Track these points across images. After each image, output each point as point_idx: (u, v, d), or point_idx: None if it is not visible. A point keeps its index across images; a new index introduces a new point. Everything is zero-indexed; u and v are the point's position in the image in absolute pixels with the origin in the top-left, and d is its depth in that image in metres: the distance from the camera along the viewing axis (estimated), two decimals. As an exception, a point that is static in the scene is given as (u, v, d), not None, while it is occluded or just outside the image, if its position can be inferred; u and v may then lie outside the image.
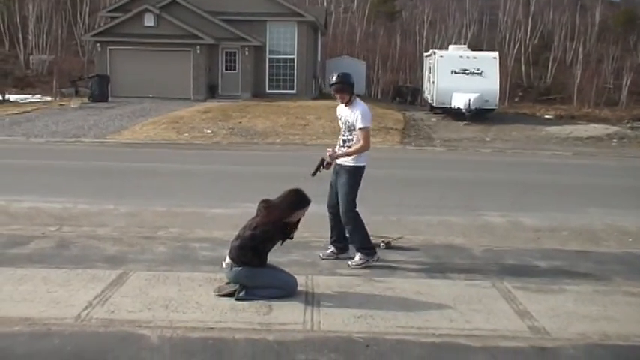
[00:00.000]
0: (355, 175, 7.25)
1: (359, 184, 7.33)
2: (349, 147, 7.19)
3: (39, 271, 6.59)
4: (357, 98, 7.23)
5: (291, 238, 6.30)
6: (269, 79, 35.13)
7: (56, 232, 8.41)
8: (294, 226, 6.22)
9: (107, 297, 5.81)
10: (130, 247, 7.69)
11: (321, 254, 7.37)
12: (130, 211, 9.96)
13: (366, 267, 7.00)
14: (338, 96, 7.17)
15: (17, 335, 4.90)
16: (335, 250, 7.41)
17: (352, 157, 7.16)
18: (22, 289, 5.96)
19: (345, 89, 7.09)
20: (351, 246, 7.33)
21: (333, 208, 7.37)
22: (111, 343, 4.77)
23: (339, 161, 7.25)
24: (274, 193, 6.24)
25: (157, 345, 4.75)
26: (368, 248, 7.21)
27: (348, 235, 7.30)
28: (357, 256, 7.17)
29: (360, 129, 7.01)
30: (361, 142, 7.02)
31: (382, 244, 7.85)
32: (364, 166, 7.32)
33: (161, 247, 7.78)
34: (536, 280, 6.74)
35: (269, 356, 4.60)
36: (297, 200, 6.10)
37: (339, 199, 7.26)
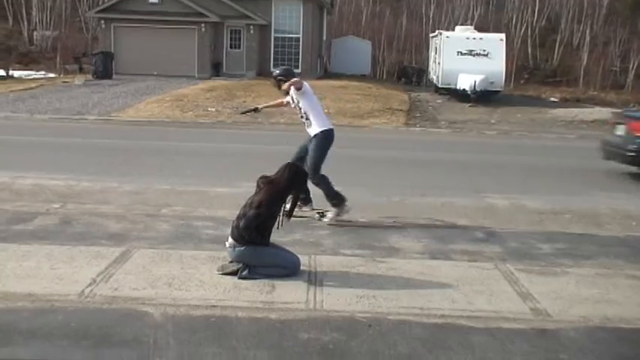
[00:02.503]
0: (323, 138, 8.13)
1: (327, 149, 8.21)
2: (307, 118, 8.23)
3: (42, 247, 6.61)
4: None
5: (289, 218, 6.33)
6: (274, 57, 34.98)
7: (60, 209, 8.43)
8: (294, 202, 6.27)
9: (110, 274, 5.83)
10: (133, 225, 7.71)
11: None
12: (133, 189, 9.97)
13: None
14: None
15: (21, 311, 4.92)
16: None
17: (318, 123, 8.16)
18: (26, 266, 5.98)
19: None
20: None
21: None
22: (114, 320, 4.79)
23: (311, 131, 8.23)
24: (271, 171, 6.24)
25: (160, 322, 4.77)
26: (338, 198, 8.10)
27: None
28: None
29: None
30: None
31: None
32: (332, 129, 8.26)
33: (165, 225, 7.79)
34: (538, 262, 6.75)
35: (271, 335, 4.61)
36: (294, 172, 6.16)
37: (308, 162, 8.02)
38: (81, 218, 7.95)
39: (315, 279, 5.89)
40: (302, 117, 8.31)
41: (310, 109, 8.20)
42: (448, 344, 4.62)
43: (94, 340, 4.43)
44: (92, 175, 10.92)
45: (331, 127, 8.29)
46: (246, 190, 5.94)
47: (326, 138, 8.16)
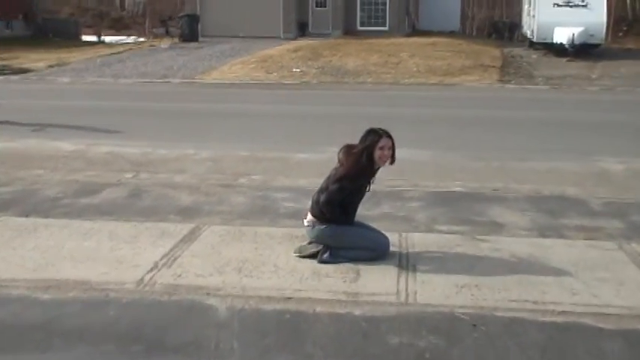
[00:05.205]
0: None
1: None
2: None
3: (106, 224, 6.05)
4: None
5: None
6: (360, 15, 33.78)
7: (131, 180, 7.88)
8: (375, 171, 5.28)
9: (175, 257, 5.18)
10: (206, 197, 7.07)
11: None
12: (210, 155, 9.36)
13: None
14: None
15: (71, 303, 4.33)
16: None
17: None
18: (86, 246, 5.41)
19: None
20: None
21: None
22: (172, 317, 4.13)
23: None
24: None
25: (224, 320, 4.07)
26: None
27: None
28: None
29: None
30: None
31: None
32: None
33: (240, 197, 7.12)
34: (671, 241, 5.71)
35: (355, 338, 3.85)
36: (372, 135, 5.05)
37: None
38: (152, 190, 7.38)
39: (406, 263, 5.07)
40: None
41: None
42: (574, 353, 3.73)
43: (146, 344, 3.77)
44: (170, 141, 10.38)
45: None
46: (330, 156, 5.16)
47: None
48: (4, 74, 21.69)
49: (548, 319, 4.13)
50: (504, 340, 3.82)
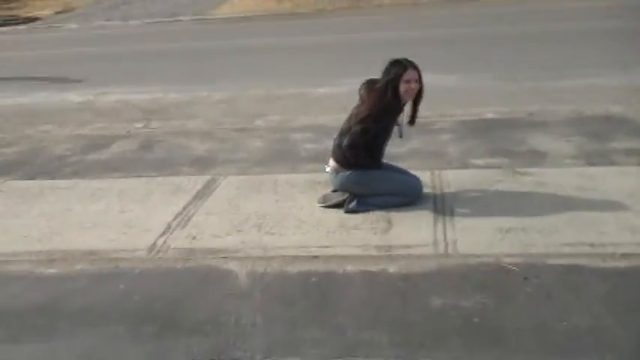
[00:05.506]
0: None
1: None
2: None
3: (115, 182, 5.62)
4: None
5: (412, 123, 4.82)
6: None
7: (142, 129, 7.43)
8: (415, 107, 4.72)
9: (190, 215, 4.74)
10: (221, 144, 6.60)
11: None
12: (224, 97, 8.86)
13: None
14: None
15: (77, 278, 3.93)
16: None
17: None
18: (93, 210, 4.99)
19: None
20: None
21: None
22: (188, 288, 3.71)
23: None
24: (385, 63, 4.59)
25: (245, 288, 3.64)
26: None
27: None
28: None
29: None
30: None
31: None
32: None
33: (257, 141, 6.64)
34: None
35: (393, 302, 3.40)
36: (397, 67, 4.43)
37: None
38: (163, 140, 6.93)
39: (442, 206, 4.58)
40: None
41: None
42: (644, 305, 3.25)
43: (159, 324, 3.35)
44: (181, 84, 9.88)
45: None
46: (350, 88, 4.62)
47: None
48: (12, 24, 21.16)
49: (609, 264, 3.64)
50: (562, 294, 3.35)
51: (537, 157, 5.57)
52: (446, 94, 7.75)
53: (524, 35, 12.05)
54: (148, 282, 3.81)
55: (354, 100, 4.69)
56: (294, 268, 3.84)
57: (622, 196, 4.54)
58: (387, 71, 4.48)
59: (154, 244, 4.32)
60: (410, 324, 3.19)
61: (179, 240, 4.35)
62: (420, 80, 4.49)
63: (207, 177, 5.56)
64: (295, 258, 3.97)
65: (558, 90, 7.89)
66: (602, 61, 9.33)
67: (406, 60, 4.49)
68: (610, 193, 4.61)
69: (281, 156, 6.13)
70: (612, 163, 5.31)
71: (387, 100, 4.44)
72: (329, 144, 4.99)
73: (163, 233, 4.47)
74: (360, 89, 4.64)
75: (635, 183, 4.77)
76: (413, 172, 4.89)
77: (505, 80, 8.54)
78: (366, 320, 3.25)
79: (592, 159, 5.45)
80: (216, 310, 3.44)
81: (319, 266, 3.85)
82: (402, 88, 4.43)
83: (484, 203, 4.59)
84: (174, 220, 4.69)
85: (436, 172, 5.26)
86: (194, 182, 5.44)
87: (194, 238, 4.38)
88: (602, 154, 5.53)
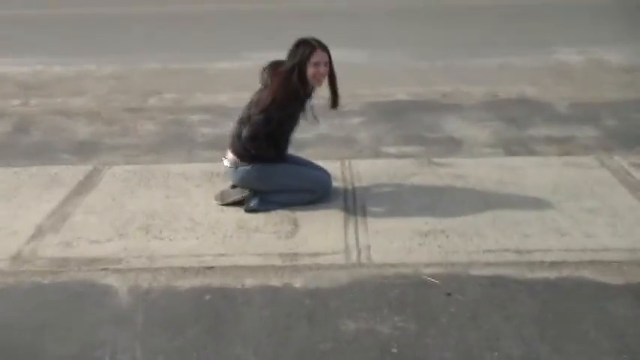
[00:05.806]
0: None
1: None
2: None
3: (-20, 174, 4.88)
4: None
5: (335, 107, 4.26)
6: None
7: (18, 108, 6.64)
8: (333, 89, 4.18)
9: (66, 215, 4.10)
10: (108, 127, 5.93)
11: None
12: (115, 71, 8.11)
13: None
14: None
15: None
16: None
17: None
18: (-50, 208, 4.27)
19: None
20: None
21: None
22: (56, 309, 3.09)
23: None
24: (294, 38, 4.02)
25: (126, 310, 3.07)
26: None
27: None
28: None
29: None
30: None
31: None
32: None
33: (149, 124, 6.01)
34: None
35: (299, 325, 2.90)
36: (303, 47, 3.92)
37: None
38: (43, 120, 6.18)
39: (353, 204, 4.12)
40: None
41: None
42: (579, 328, 2.86)
43: (13, 364, 2.75)
44: (67, 56, 9.03)
45: None
46: (255, 63, 4.07)
47: None
48: None
49: (537, 274, 3.26)
50: (489, 314, 2.94)
51: (454, 145, 5.20)
52: (356, 71, 7.29)
53: (436, 10, 11.72)
54: (6, 303, 3.17)
55: (257, 77, 4.11)
56: (184, 283, 3.29)
57: (546, 192, 4.19)
58: (292, 53, 3.95)
59: (19, 253, 3.65)
60: (319, 356, 2.71)
61: (50, 247, 3.71)
62: (330, 63, 3.98)
63: (90, 167, 4.90)
64: (186, 270, 3.41)
65: (471, 69, 7.59)
66: (516, 38, 9.11)
67: (314, 40, 3.97)
68: (532, 187, 4.27)
69: (175, 141, 5.53)
70: (532, 153, 4.98)
71: (293, 86, 3.91)
72: (228, 127, 4.45)
73: (33, 238, 3.82)
74: (262, 72, 4.08)
75: (558, 176, 4.45)
76: (321, 162, 4.42)
77: (417, 58, 8.17)
78: (268, 351, 2.75)
79: (511, 147, 5.11)
80: (88, 340, 2.85)
81: (214, 280, 3.31)
82: (310, 71, 3.92)
83: (399, 200, 4.15)
84: (46, 220, 4.03)
85: (346, 162, 4.80)
86: (74, 173, 4.77)
87: (69, 243, 3.75)
88: (522, 142, 5.20)
